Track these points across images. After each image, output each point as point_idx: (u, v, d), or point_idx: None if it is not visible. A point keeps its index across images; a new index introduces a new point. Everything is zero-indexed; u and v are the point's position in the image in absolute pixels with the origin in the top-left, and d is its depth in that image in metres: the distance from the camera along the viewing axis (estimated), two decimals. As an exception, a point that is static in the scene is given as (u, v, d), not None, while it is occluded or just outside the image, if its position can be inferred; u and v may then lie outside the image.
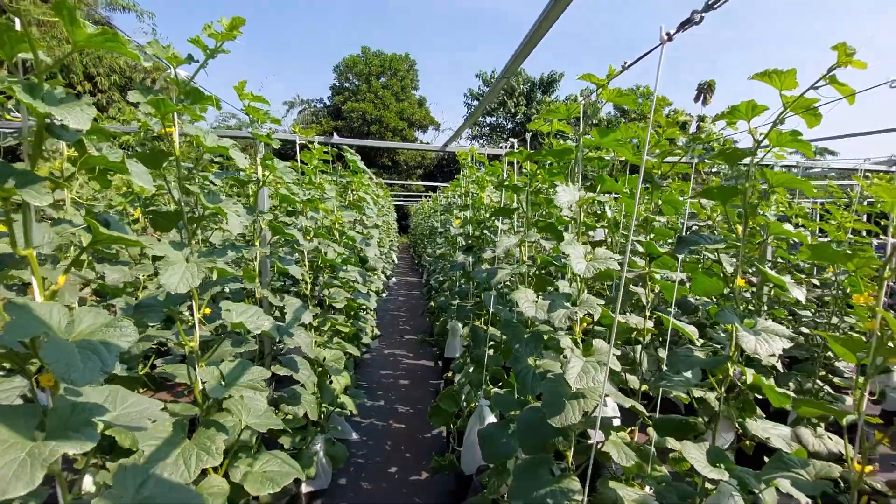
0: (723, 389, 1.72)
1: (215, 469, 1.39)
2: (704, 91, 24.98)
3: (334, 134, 3.31)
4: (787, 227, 1.53)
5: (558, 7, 1.27)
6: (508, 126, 28.59)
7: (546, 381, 1.49)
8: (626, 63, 1.17)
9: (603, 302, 1.44)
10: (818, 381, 2.44)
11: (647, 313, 2.19)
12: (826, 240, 3.22)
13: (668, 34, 0.92)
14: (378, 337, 5.82)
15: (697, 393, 1.82)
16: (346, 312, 3.41)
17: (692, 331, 1.94)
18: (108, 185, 1.31)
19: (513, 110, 27.92)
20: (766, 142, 1.45)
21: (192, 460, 1.14)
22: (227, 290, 2.19)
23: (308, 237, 2.51)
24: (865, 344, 1.12)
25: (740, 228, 1.56)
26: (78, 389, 0.87)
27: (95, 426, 0.74)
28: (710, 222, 4.00)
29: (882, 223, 4.65)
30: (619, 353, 2.06)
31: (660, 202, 2.24)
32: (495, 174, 2.94)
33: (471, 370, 2.85)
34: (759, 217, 2.94)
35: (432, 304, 5.47)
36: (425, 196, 15.15)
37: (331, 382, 2.62)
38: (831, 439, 2.59)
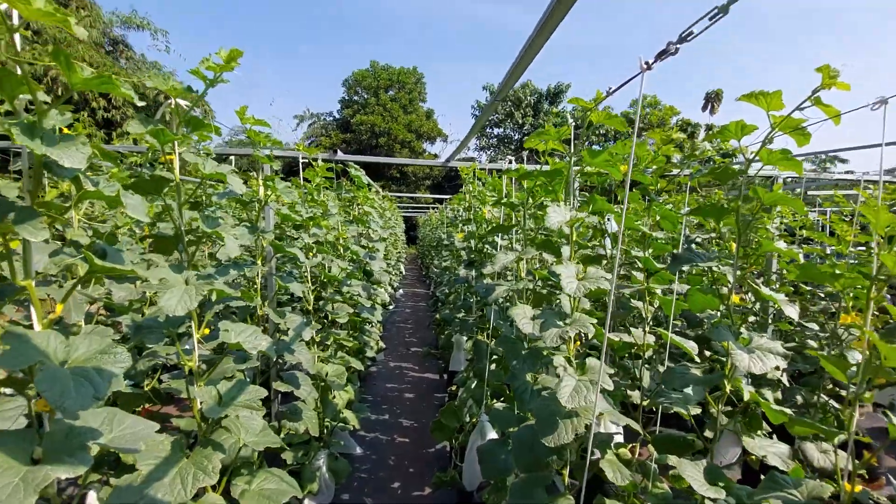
0: (720, 406, 1.72)
1: (214, 487, 1.41)
2: (712, 100, 24.89)
3: (338, 151, 3.37)
4: (780, 244, 1.53)
5: (541, 37, 1.30)
6: (516, 137, 28.70)
7: (540, 398, 1.49)
8: (610, 88, 1.20)
9: (596, 321, 1.45)
10: (823, 395, 2.40)
11: (647, 328, 2.19)
12: (832, 251, 3.19)
13: (647, 63, 0.95)
14: (383, 350, 5.83)
15: (694, 411, 1.80)
16: (349, 327, 3.44)
17: (692, 346, 1.94)
18: (116, 206, 1.36)
19: (520, 121, 28.04)
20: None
21: (189, 479, 1.16)
22: (232, 306, 2.23)
23: (310, 253, 2.55)
24: (852, 364, 1.12)
25: (734, 245, 1.57)
26: (75, 413, 0.90)
27: (89, 450, 0.77)
28: (713, 235, 3.99)
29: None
30: (611, 370, 2.05)
31: (658, 217, 2.25)
32: (496, 189, 2.97)
33: (473, 385, 2.85)
34: (762, 230, 2.93)
35: (438, 316, 5.48)
36: (433, 207, 15.22)
37: (333, 397, 2.64)
38: (837, 455, 2.55)
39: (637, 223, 2.40)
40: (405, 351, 6.14)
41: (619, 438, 2.34)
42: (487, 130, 30.60)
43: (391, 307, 8.22)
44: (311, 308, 2.56)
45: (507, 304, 2.62)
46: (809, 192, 6.21)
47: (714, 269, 2.10)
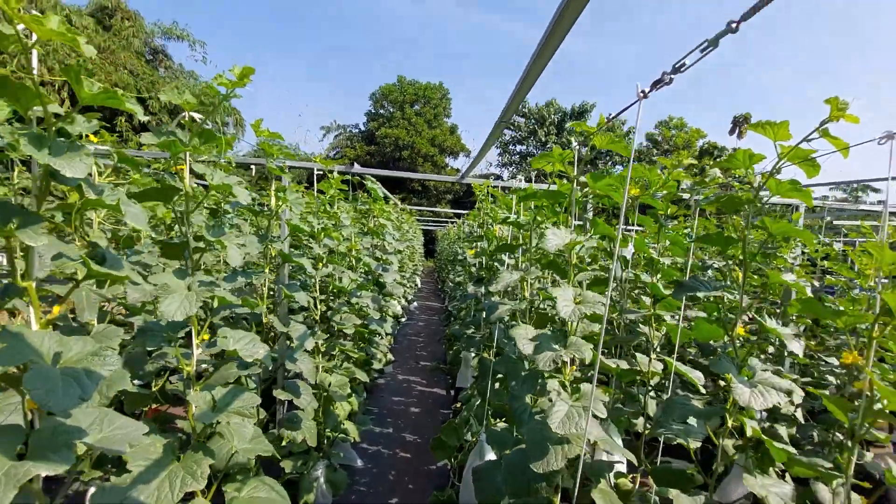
0: (722, 440, 1.66)
1: (204, 492, 1.43)
2: (740, 123, 24.48)
3: (355, 164, 3.44)
4: (789, 276, 1.49)
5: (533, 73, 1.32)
6: (536, 154, 28.73)
7: (533, 422, 1.47)
8: (611, 114, 1.20)
9: (591, 346, 1.43)
10: (839, 434, 2.30)
11: (654, 355, 2.15)
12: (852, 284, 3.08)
13: (643, 91, 0.95)
14: (392, 362, 5.84)
15: (695, 444, 1.75)
16: (357, 338, 3.46)
17: (697, 376, 1.89)
18: (118, 213, 1.43)
19: (543, 139, 28.07)
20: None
21: (178, 483, 1.18)
22: (242, 313, 2.28)
23: (320, 264, 2.59)
24: (855, 405, 1.08)
25: (740, 275, 1.53)
26: (66, 411, 0.93)
27: (74, 448, 0.80)
28: (731, 262, 3.89)
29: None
30: (605, 398, 2.00)
31: (667, 242, 2.22)
32: (508, 207, 2.97)
33: (476, 403, 2.83)
34: (780, 259, 2.85)
35: (448, 331, 5.47)
36: (451, 221, 15.29)
37: (335, 408, 2.65)
38: (847, 497, 2.43)
39: (648, 247, 2.37)
40: (415, 364, 6.13)
41: (622, 467, 2.28)
42: (511, 147, 30.69)
43: (404, 319, 8.24)
44: (317, 318, 2.59)
45: (513, 322, 2.61)
46: (836, 222, 6.01)
47: (729, 297, 2.05)
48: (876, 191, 25.61)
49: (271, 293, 2.45)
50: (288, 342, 2.37)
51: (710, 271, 3.69)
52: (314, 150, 31.89)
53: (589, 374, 2.49)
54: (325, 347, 2.72)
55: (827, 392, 1.72)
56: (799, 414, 2.49)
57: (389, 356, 5.40)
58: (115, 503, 0.95)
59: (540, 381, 1.56)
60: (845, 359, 1.10)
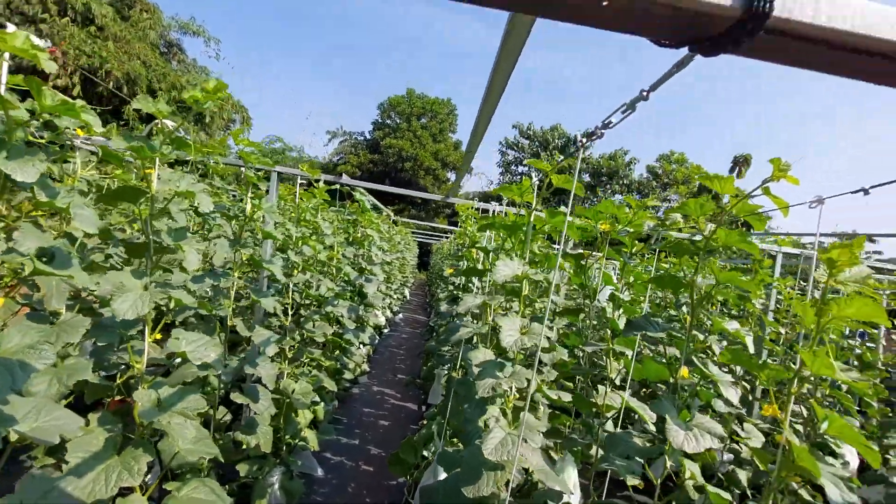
0: (659, 482, 1.69)
1: (142, 488, 1.45)
2: (740, 164, 24.85)
3: (343, 175, 3.50)
4: (732, 325, 1.54)
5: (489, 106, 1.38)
6: (539, 177, 28.95)
7: (473, 446, 1.50)
8: (562, 158, 1.26)
9: (532, 374, 1.47)
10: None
11: (608, 389, 2.18)
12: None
13: (581, 141, 1.01)
14: (368, 373, 5.83)
15: (633, 481, 1.77)
16: (330, 347, 3.48)
17: (650, 416, 1.92)
18: (68, 216, 1.48)
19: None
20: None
21: (114, 477, 1.21)
22: (209, 314, 2.31)
23: (296, 271, 2.63)
24: (773, 457, 1.11)
25: (688, 319, 1.58)
26: (6, 398, 0.96)
27: (6, 435, 0.83)
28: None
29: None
30: (544, 427, 2.02)
31: (630, 279, 2.27)
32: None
33: (440, 421, 2.84)
34: (749, 304, 2.90)
35: (427, 346, 5.48)
36: (446, 236, 15.39)
37: (297, 416, 2.67)
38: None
39: (615, 283, 2.42)
40: (392, 377, 6.12)
41: (575, 499, 2.29)
42: (513, 168, 31.00)
43: (387, 331, 8.24)
44: (287, 324, 2.62)
45: (474, 346, 2.64)
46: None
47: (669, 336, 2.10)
48: (872, 241, 25.97)
49: (245, 297, 2.49)
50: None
51: (682, 308, 3.74)
52: (318, 154, 32.12)
53: (537, 403, 2.52)
54: (293, 354, 2.74)
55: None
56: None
57: (365, 367, 5.41)
58: (40, 492, 0.98)
59: (491, 405, 1.59)
60: (765, 411, 1.14)
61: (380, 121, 30.51)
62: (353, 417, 4.55)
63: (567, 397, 1.91)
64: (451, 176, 30.38)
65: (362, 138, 31.76)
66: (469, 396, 1.88)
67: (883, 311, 0.91)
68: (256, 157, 1.82)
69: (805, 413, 2.62)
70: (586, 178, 28.57)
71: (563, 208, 2.52)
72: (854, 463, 3.71)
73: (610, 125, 0.87)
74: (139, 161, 1.42)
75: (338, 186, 3.91)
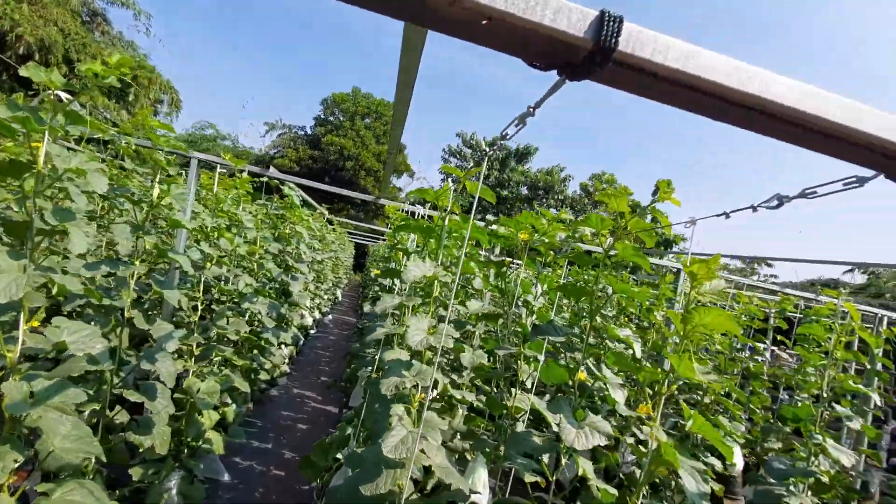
0: (554, 477, 1.79)
1: (10, 489, 1.32)
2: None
3: (271, 167, 3.38)
4: (624, 332, 1.67)
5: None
6: (453, 183, 29.56)
7: (374, 445, 1.51)
8: (472, 167, 1.32)
9: (440, 375, 1.51)
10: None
11: (518, 391, 2.28)
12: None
13: (483, 151, 1.06)
14: (288, 374, 5.64)
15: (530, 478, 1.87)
16: (245, 346, 3.34)
17: (553, 418, 2.02)
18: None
19: (486, 173, 29.04)
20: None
21: (-36, 479, 1.09)
22: (106, 305, 2.13)
23: (209, 264, 2.51)
24: (646, 452, 1.23)
25: (586, 324, 1.69)
26: None
27: None
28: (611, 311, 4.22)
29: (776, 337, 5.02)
30: (445, 426, 2.09)
31: (545, 286, 2.40)
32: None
33: (354, 422, 2.81)
34: (654, 312, 3.14)
35: (352, 347, 5.40)
36: (384, 238, 15.25)
37: (201, 416, 2.53)
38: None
39: (532, 290, 2.53)
40: (315, 380, 5.95)
41: (484, 499, 2.36)
42: (471, 181, 31.34)
43: (314, 332, 8.02)
44: (194, 320, 2.48)
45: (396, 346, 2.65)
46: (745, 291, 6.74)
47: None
48: (769, 265, 29.04)
49: (148, 288, 2.33)
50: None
51: (604, 314, 3.99)
52: (254, 146, 30.71)
53: (455, 406, 2.57)
54: (201, 351, 2.60)
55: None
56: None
57: (285, 368, 5.23)
58: None
59: (391, 405, 1.60)
60: (640, 410, 1.25)
61: (322, 117, 29.76)
62: (270, 420, 4.37)
63: (471, 396, 1.96)
64: (393, 180, 30.24)
65: (303, 133, 30.80)
66: (381, 396, 1.88)
67: (734, 322, 1.04)
68: (166, 139, 1.72)
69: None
70: (524, 190, 29.59)
71: (489, 216, 2.60)
72: (740, 464, 4.13)
73: (507, 137, 0.93)
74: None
75: (266, 179, 3.77)
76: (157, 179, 1.83)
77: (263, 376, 3.65)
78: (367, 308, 3.12)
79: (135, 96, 17.99)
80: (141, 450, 2.43)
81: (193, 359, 2.54)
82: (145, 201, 1.83)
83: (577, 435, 1.52)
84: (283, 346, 4.80)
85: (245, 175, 2.84)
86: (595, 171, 29.79)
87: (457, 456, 2.58)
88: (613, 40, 0.55)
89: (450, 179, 1.52)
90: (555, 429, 2.28)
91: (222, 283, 2.66)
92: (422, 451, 1.58)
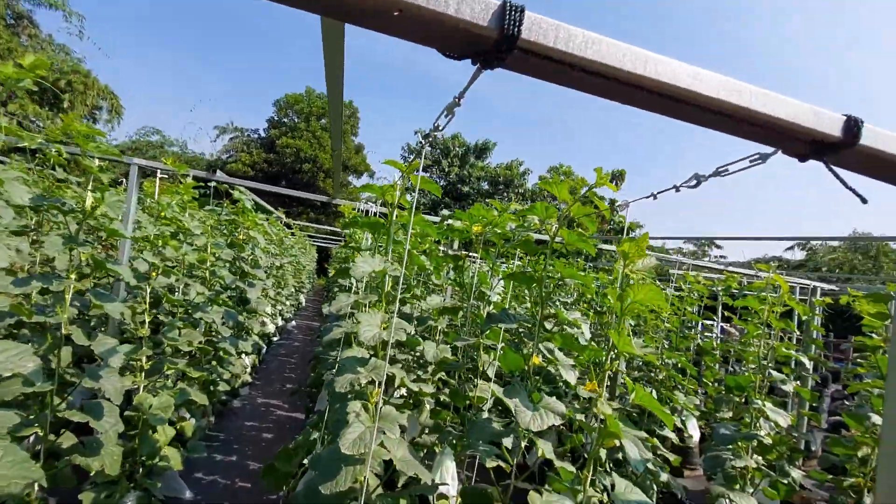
0: (514, 460, 1.84)
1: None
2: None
3: (217, 171, 3.27)
4: (574, 315, 1.73)
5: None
6: (442, 184, 29.65)
7: (332, 445, 1.51)
8: (414, 158, 1.33)
9: (398, 367, 1.52)
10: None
11: (480, 381, 2.31)
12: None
13: (420, 142, 1.08)
14: (251, 384, 5.50)
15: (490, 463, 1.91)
16: (202, 357, 3.23)
17: (510, 403, 2.06)
18: None
19: (446, 170, 29.11)
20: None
21: None
22: (41, 322, 2.01)
23: (154, 273, 2.41)
24: (595, 427, 1.28)
25: (538, 311, 1.74)
26: None
27: None
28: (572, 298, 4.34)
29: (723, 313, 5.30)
30: (404, 419, 2.12)
31: (499, 277, 2.44)
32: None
33: (319, 425, 2.78)
34: (605, 300, 3.25)
35: (315, 351, 5.32)
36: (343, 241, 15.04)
37: (155, 433, 2.43)
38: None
39: (488, 282, 2.58)
40: (280, 387, 5.83)
41: (452, 491, 2.39)
42: (415, 174, 31.27)
43: (276, 339, 7.83)
44: (143, 333, 2.38)
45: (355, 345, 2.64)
46: (675, 271, 7.05)
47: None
48: (719, 247, 30.61)
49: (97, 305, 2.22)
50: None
51: (559, 304, 4.09)
52: (205, 151, 29.53)
53: (422, 401, 2.59)
54: (151, 365, 2.50)
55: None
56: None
57: (247, 377, 5.09)
58: None
59: (348, 402, 1.60)
60: (587, 387, 1.30)
61: (276, 118, 28.98)
62: (233, 432, 4.25)
63: (431, 389, 1.98)
64: (353, 180, 29.83)
65: (256, 136, 29.90)
66: (340, 396, 1.87)
67: (663, 297, 1.10)
68: (96, 145, 1.63)
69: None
70: (485, 186, 29.88)
71: (445, 211, 2.62)
72: (696, 436, 4.34)
73: (439, 128, 0.94)
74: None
75: (214, 184, 3.65)
76: (88, 188, 1.74)
77: (223, 387, 3.54)
78: (325, 310, 3.07)
79: (70, 103, 16.96)
80: (91, 473, 2.32)
81: (144, 373, 2.44)
82: (77, 211, 1.74)
83: (533, 417, 1.56)
84: (243, 355, 4.68)
85: (189, 180, 2.74)
86: (554, 165, 30.41)
87: (425, 451, 2.60)
88: (516, 29, 0.57)
89: (397, 180, 1.52)
90: (515, 413, 2.33)
91: (172, 293, 2.56)
92: (382, 445, 1.59)
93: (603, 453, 2.81)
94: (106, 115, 19.64)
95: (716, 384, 4.79)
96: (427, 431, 2.79)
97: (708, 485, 4.65)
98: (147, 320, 2.41)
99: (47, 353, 1.78)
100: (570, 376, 1.60)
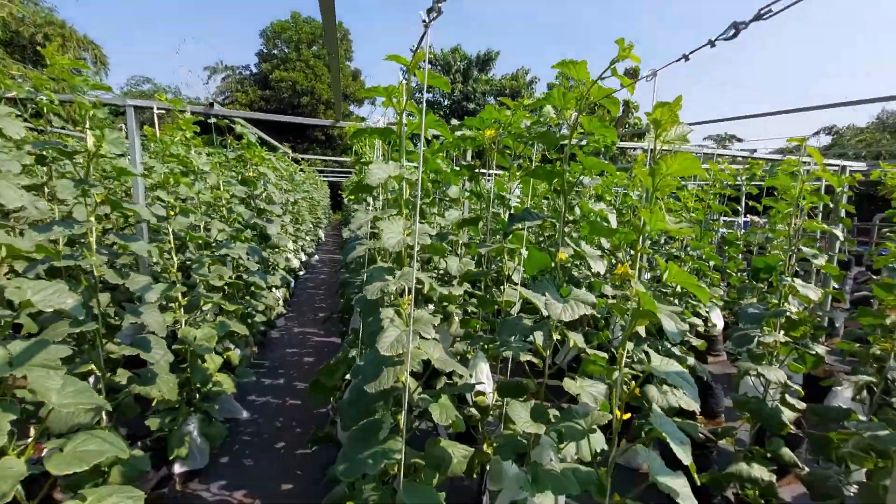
0: (548, 352, 1.89)
1: (21, 452, 1.35)
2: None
3: (214, 105, 3.15)
4: (598, 206, 1.68)
5: None
6: (445, 102, 28.45)
7: (371, 350, 1.56)
8: (423, 48, 1.22)
9: (427, 275, 1.52)
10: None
11: (505, 287, 2.34)
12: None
13: (424, 21, 0.98)
14: (285, 316, 5.74)
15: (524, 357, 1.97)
16: (234, 291, 3.33)
17: (539, 298, 2.08)
18: None
19: (449, 86, 27.81)
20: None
21: (-29, 443, 1.10)
22: (79, 266, 2.07)
23: (172, 213, 2.41)
24: (627, 308, 1.29)
25: (562, 204, 1.69)
26: None
27: None
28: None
29: (748, 204, 5.17)
30: (435, 320, 2.17)
31: (518, 181, 2.38)
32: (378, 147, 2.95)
33: (355, 342, 2.91)
34: (629, 194, 3.17)
35: (341, 279, 5.46)
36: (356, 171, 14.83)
37: (204, 362, 2.58)
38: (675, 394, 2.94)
39: (506, 188, 2.51)
40: (313, 317, 6.07)
41: (489, 387, 2.51)
42: (417, 95, 30.02)
43: (303, 273, 8.04)
44: (173, 271, 2.44)
45: (379, 259, 2.67)
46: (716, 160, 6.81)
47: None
48: (739, 140, 29.38)
49: (113, 244, 2.26)
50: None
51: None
52: (199, 95, 28.61)
53: (451, 314, 2.65)
54: (188, 301, 2.59)
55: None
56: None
57: (281, 309, 5.30)
58: None
59: (381, 310, 1.63)
60: (617, 271, 1.29)
61: (265, 51, 27.54)
62: (276, 360, 4.51)
63: (445, 290, 2.01)
64: (354, 109, 28.80)
65: (248, 73, 28.65)
66: (373, 308, 1.91)
67: (699, 164, 1.04)
68: (83, 79, 1.55)
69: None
70: (491, 100, 28.56)
71: (454, 121, 2.49)
72: (720, 324, 4.42)
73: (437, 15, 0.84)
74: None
75: (213, 121, 3.54)
76: (87, 126, 1.69)
77: (259, 318, 3.70)
78: (345, 234, 3.08)
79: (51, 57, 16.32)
80: (153, 401, 2.51)
81: (182, 309, 2.53)
82: (81, 151, 1.70)
83: (564, 308, 1.58)
84: (273, 289, 4.82)
85: (188, 115, 2.64)
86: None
87: (458, 358, 2.71)
88: None
89: (401, 75, 1.42)
90: (543, 310, 2.37)
91: (195, 231, 2.58)
92: (418, 348, 1.64)
93: (630, 346, 2.90)
94: (92, 67, 18.94)
95: (739, 274, 4.80)
96: (458, 341, 2.90)
97: (732, 369, 4.82)
98: (175, 261, 2.46)
99: (86, 298, 1.84)
100: (599, 266, 1.58)
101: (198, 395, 2.65)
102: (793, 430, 2.98)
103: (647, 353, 1.19)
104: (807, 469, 2.40)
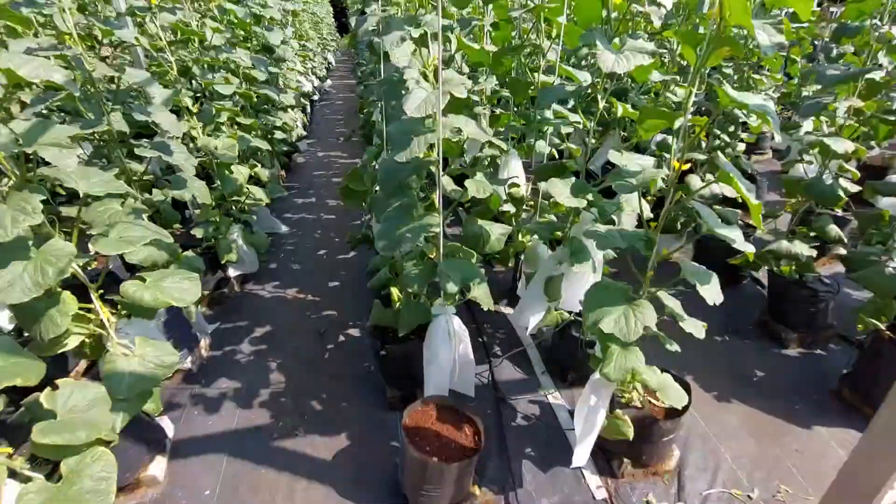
0: (592, 124, 1.72)
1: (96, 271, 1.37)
2: None
3: None
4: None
5: None
6: None
7: (397, 122, 1.42)
8: None
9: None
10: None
11: (543, 62, 2.05)
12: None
13: None
14: (307, 139, 5.59)
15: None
16: (246, 104, 3.14)
17: (582, 77, 1.82)
18: None
19: None
20: None
21: (7, 220, 1.09)
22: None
23: (153, 2, 2.10)
24: (702, 37, 1.05)
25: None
26: None
27: None
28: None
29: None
30: (470, 83, 1.95)
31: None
32: None
33: (379, 143, 2.78)
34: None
35: (358, 93, 5.13)
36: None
37: (231, 172, 2.54)
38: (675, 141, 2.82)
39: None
40: (335, 141, 5.92)
41: (521, 180, 2.42)
42: None
43: (316, 98, 7.62)
44: (173, 74, 2.23)
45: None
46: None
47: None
48: None
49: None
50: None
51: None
52: None
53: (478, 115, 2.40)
54: (198, 109, 2.44)
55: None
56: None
57: (300, 131, 5.14)
58: None
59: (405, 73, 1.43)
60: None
61: None
62: (305, 182, 4.53)
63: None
64: None
65: None
66: (396, 92, 1.71)
67: None
68: None
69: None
70: None
71: None
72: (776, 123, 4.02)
73: None
74: None
75: None
76: None
77: (279, 136, 3.57)
78: (353, 21, 2.71)
79: None
80: (188, 205, 2.57)
81: (195, 117, 2.40)
82: None
83: (617, 60, 1.35)
84: (290, 109, 4.58)
85: None
86: None
87: (488, 160, 2.56)
88: None
89: None
90: (581, 84, 2.07)
91: (187, 26, 2.28)
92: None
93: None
94: None
95: (803, 61, 4.17)
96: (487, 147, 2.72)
97: (776, 167, 4.56)
98: (172, 59, 2.23)
99: (83, 89, 1.70)
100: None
101: (234, 207, 2.69)
102: (845, 208, 2.85)
103: (720, 84, 0.98)
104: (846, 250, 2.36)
